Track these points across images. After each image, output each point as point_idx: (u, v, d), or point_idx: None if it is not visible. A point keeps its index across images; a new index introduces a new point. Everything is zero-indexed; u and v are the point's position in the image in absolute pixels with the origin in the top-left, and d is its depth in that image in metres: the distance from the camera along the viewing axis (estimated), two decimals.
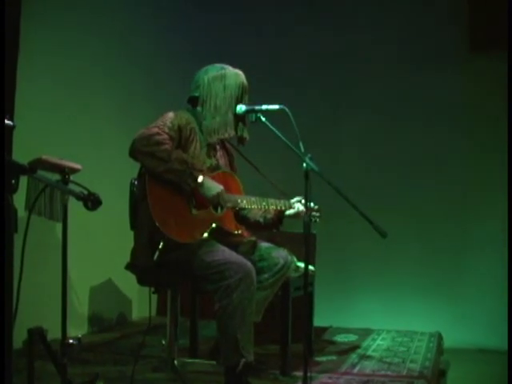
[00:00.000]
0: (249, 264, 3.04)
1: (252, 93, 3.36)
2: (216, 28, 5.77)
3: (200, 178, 3.06)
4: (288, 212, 3.44)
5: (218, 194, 3.11)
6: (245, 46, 5.61)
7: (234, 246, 3.21)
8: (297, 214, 3.42)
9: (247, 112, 3.25)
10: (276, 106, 3.17)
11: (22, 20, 3.73)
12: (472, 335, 4.81)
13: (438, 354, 4.22)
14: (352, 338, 4.66)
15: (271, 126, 3.16)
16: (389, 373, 3.65)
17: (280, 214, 3.47)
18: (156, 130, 3.05)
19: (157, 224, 2.98)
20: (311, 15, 5.65)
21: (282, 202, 3.42)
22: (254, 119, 3.21)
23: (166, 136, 3.05)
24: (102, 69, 4.74)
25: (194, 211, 3.12)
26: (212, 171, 3.24)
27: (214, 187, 3.11)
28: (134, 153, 3.04)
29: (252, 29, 5.74)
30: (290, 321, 3.54)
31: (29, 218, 2.72)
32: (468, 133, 5.22)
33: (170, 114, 3.18)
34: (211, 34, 5.75)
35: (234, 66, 3.38)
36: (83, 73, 4.52)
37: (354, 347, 4.31)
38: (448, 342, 4.67)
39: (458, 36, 5.23)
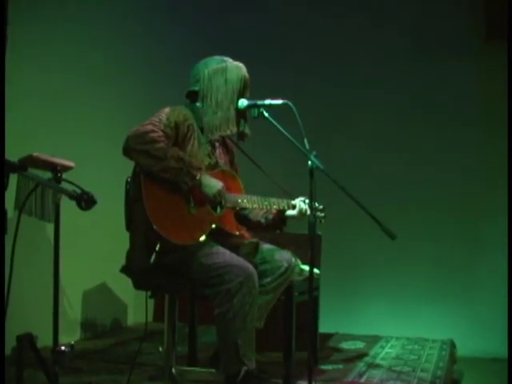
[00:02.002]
0: (250, 267, 3.05)
1: (253, 87, 3.37)
2: (217, 19, 5.78)
3: (198, 176, 3.07)
4: (291, 212, 3.45)
5: (219, 192, 3.12)
6: (246, 39, 5.61)
7: (235, 248, 3.22)
8: (299, 214, 3.42)
9: (249, 107, 3.26)
10: (280, 101, 3.18)
11: (9, 9, 3.74)
12: (487, 343, 4.80)
13: (451, 362, 4.23)
14: (359, 345, 4.68)
15: (274, 122, 3.17)
16: (398, 382, 3.66)
17: (282, 215, 3.48)
18: (151, 127, 3.06)
19: (153, 225, 2.99)
20: (319, 5, 5.66)
21: (285, 201, 3.43)
22: (256, 114, 3.21)
23: (161, 133, 3.06)
24: (96, 60, 4.74)
25: (193, 211, 3.13)
26: (211, 170, 3.25)
27: (214, 185, 3.12)
28: (128, 151, 3.06)
29: (255, 19, 5.75)
30: (294, 327, 3.55)
31: (19, 219, 2.73)
32: (483, 127, 5.21)
33: (167, 110, 3.19)
34: (212, 26, 5.76)
35: (235, 58, 3.39)
36: (76, 66, 4.52)
37: (361, 355, 4.33)
38: (461, 350, 4.68)
39: (473, 26, 5.24)
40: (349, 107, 5.55)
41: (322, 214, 3.49)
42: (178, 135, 3.17)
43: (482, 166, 5.18)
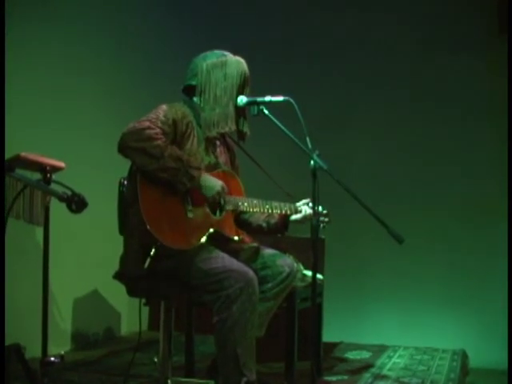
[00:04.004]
0: (250, 272, 3.06)
1: (254, 84, 3.37)
2: (217, 11, 5.79)
3: (197, 177, 3.07)
4: (294, 217, 3.45)
5: (219, 193, 3.13)
6: (247, 32, 5.63)
7: (235, 253, 3.22)
8: (303, 219, 3.43)
9: (249, 104, 3.27)
10: (281, 98, 3.19)
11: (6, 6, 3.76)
12: (502, 354, 4.77)
13: (463, 374, 4.23)
14: (365, 355, 4.69)
15: (275, 120, 3.18)
16: None
17: (285, 219, 3.49)
18: (147, 123, 3.06)
19: (149, 228, 2.99)
20: None
21: (288, 205, 3.43)
22: (256, 112, 3.22)
23: (158, 130, 3.07)
24: (89, 57, 4.75)
25: (190, 214, 3.14)
26: (211, 170, 3.25)
27: (213, 185, 3.12)
28: (123, 149, 3.06)
29: (256, 12, 5.76)
30: (296, 336, 3.56)
31: (6, 222, 2.74)
32: (497, 124, 5.18)
33: (164, 107, 3.19)
34: (211, 17, 5.77)
35: (235, 53, 3.40)
36: (67, 62, 4.53)
37: (367, 366, 4.34)
38: (474, 361, 4.68)
39: (486, 18, 5.24)
40: (354, 104, 5.56)
41: (326, 219, 3.50)
42: (176, 133, 3.17)
43: (497, 166, 5.15)
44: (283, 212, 3.42)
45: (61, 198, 2.54)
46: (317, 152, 2.99)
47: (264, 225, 3.52)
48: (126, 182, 3.32)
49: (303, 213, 3.43)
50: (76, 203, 2.53)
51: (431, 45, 5.41)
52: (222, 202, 3.20)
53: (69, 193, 2.59)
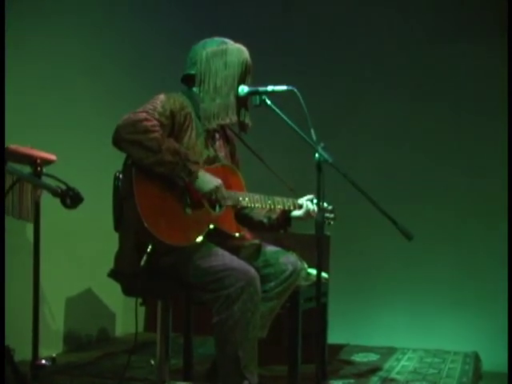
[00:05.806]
0: (252, 271, 3.07)
1: (255, 73, 3.37)
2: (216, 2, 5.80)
3: (195, 171, 3.08)
4: (296, 213, 3.46)
5: (216, 188, 3.14)
6: (245, 22, 5.62)
7: (235, 250, 3.23)
8: (306, 215, 3.44)
9: (250, 94, 3.27)
10: (284, 87, 3.19)
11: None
12: None
13: (476, 378, 4.23)
14: (373, 357, 4.70)
15: (278, 111, 3.18)
16: None
17: (286, 214, 3.50)
18: (144, 115, 3.06)
19: (145, 224, 3.00)
20: None
21: (291, 200, 3.44)
22: (257, 102, 3.22)
23: (155, 122, 3.07)
24: (84, 49, 4.75)
25: (188, 210, 3.15)
26: (210, 164, 3.26)
27: (211, 181, 3.13)
28: (119, 141, 3.06)
29: (255, 2, 5.75)
30: (300, 337, 3.57)
31: None
32: (504, 120, 5.19)
33: (162, 97, 3.19)
34: (210, 4, 5.77)
35: (236, 40, 3.40)
36: (59, 47, 4.53)
37: (374, 369, 4.35)
38: (487, 365, 4.68)
39: (494, 6, 5.24)
40: (360, 96, 5.55)
41: (332, 215, 3.50)
42: (173, 125, 3.18)
43: (505, 165, 5.15)
44: (286, 207, 3.43)
45: (55, 193, 2.53)
46: (322, 144, 2.99)
47: (265, 220, 3.53)
48: (121, 176, 3.32)
49: (305, 207, 3.44)
50: (71, 198, 2.52)
51: (436, 37, 5.40)
52: (221, 200, 3.20)
53: (63, 187, 2.57)
